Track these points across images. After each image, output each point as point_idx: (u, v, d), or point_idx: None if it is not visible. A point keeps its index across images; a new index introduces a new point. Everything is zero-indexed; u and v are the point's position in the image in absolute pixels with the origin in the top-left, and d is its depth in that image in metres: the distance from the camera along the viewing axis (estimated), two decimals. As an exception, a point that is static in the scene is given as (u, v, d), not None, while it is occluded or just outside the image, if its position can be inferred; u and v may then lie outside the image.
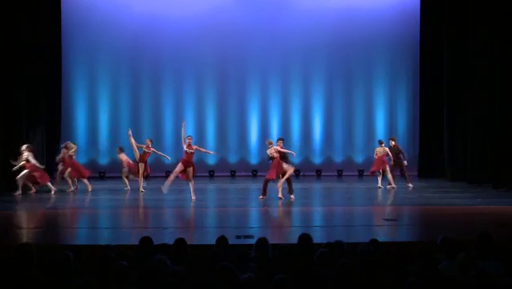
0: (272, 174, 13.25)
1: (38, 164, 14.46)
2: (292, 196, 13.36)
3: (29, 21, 15.85)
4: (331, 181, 18.00)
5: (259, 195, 13.45)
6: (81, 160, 19.14)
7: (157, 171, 18.86)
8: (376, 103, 19.66)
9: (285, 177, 13.33)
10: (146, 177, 15.43)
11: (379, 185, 15.57)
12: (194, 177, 13.48)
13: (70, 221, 11.55)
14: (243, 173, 19.20)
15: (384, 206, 13.18)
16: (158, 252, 5.72)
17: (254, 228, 10.14)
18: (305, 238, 5.96)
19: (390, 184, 15.46)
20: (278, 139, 13.81)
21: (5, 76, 15.00)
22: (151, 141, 15.15)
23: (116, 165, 18.83)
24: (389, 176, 15.42)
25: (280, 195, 13.28)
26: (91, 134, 19.19)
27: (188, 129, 19.43)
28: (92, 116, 19.13)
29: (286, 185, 13.47)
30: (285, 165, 13.39)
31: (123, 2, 19.04)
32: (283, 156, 13.55)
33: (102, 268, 5.10)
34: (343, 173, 19.31)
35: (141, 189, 14.77)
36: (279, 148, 13.41)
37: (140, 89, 19.25)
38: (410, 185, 15.47)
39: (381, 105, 19.65)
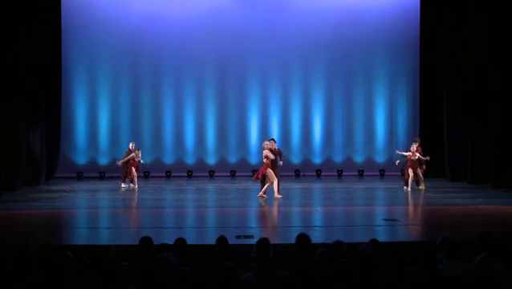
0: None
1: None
2: (263, 195, 13.38)
3: (29, 21, 15.83)
4: (331, 180, 17.98)
5: (260, 196, 13.47)
6: (81, 160, 19.19)
7: (157, 171, 18.90)
8: (376, 103, 19.64)
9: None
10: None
11: (421, 186, 15.29)
12: None
13: (71, 221, 11.55)
14: (243, 173, 19.18)
15: (383, 206, 13.18)
16: (159, 252, 5.71)
17: (254, 228, 10.14)
18: (302, 238, 5.96)
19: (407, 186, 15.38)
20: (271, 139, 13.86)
21: (5, 76, 14.98)
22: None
23: (116, 165, 18.82)
24: (411, 179, 15.27)
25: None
26: (91, 134, 19.17)
27: (188, 129, 19.52)
28: (92, 116, 19.12)
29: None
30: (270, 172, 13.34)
31: (123, 2, 19.04)
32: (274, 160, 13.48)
33: (102, 268, 5.09)
34: (343, 173, 19.30)
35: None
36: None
37: (140, 89, 19.23)
38: (405, 188, 15.40)
39: (381, 105, 19.64)
